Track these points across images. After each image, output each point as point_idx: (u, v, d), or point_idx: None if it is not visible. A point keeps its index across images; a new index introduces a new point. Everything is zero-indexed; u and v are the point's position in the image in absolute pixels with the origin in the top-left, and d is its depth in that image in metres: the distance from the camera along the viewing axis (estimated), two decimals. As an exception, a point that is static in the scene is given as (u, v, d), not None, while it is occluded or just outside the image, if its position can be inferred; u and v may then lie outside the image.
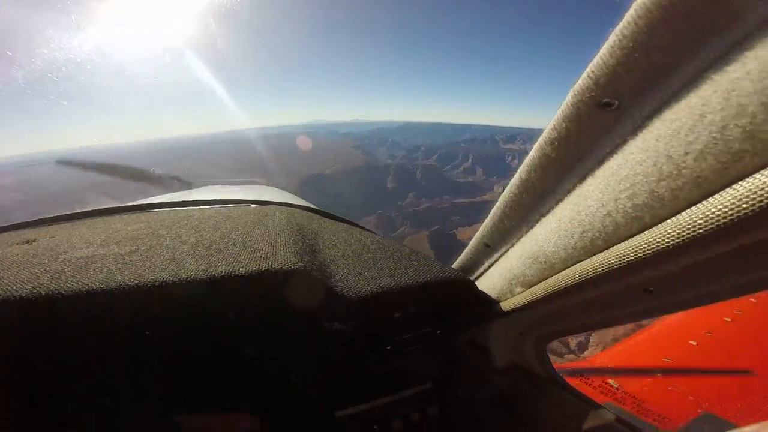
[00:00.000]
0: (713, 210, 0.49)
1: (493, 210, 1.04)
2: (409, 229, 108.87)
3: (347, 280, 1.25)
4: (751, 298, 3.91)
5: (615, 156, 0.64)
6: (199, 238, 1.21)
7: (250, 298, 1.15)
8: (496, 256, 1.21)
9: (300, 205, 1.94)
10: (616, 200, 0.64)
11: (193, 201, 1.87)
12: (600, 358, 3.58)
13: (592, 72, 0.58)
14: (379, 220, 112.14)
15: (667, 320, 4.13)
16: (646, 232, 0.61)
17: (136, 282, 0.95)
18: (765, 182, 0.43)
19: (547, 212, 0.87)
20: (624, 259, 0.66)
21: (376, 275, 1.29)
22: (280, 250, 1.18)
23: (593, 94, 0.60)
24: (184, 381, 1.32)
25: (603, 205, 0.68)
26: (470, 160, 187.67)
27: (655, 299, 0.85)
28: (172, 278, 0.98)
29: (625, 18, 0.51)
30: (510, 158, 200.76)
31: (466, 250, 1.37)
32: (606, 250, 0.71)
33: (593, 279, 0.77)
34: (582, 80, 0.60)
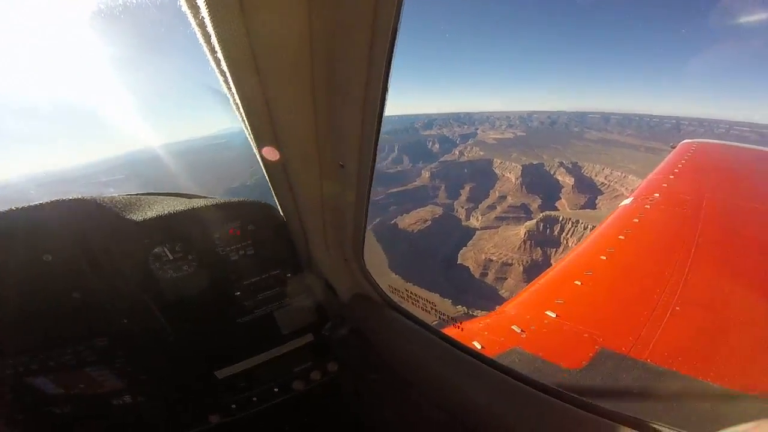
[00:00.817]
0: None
1: None
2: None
3: (142, 214, 1.33)
4: (620, 236, 4.68)
5: None
6: None
7: (63, 238, 1.20)
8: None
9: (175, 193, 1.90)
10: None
11: None
12: (506, 307, 3.74)
13: None
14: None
15: (555, 267, 4.61)
16: None
17: None
18: None
19: None
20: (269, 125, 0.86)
21: (170, 210, 1.37)
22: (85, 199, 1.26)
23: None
24: (34, 339, 1.34)
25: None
26: (396, 150, 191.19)
27: (348, 173, 1.03)
28: None
29: None
30: (431, 143, 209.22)
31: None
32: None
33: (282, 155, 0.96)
34: None
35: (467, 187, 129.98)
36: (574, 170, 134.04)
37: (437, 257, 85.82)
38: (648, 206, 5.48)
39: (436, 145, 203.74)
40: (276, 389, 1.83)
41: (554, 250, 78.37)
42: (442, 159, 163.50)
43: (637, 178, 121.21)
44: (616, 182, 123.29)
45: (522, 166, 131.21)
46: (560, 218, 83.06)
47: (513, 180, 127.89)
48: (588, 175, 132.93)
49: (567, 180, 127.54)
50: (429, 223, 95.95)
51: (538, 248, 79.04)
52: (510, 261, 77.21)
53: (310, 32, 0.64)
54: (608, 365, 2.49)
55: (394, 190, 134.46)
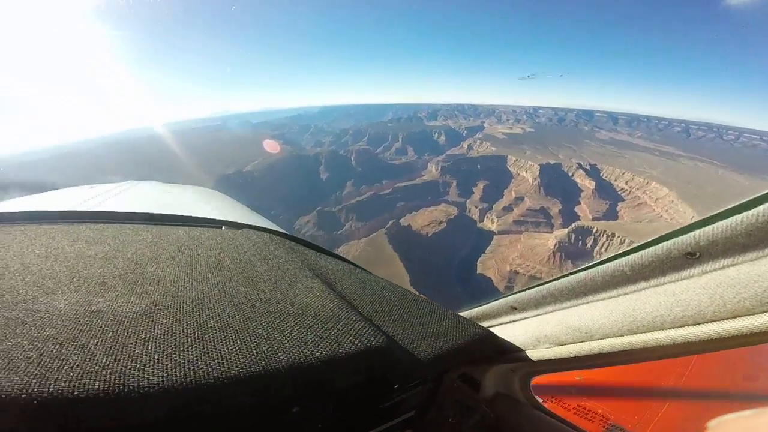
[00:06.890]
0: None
1: (534, 284, 1.25)
2: (356, 224, 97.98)
3: (410, 347, 1.14)
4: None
5: (677, 283, 0.82)
6: (219, 299, 0.95)
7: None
8: (520, 316, 1.38)
9: (271, 230, 1.70)
10: (670, 310, 0.82)
11: (149, 215, 1.61)
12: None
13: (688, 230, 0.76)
14: (319, 217, 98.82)
15: None
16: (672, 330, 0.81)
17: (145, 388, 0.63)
18: None
19: (599, 300, 1.05)
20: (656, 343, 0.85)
21: (422, 337, 1.19)
22: (351, 323, 1.01)
23: (683, 246, 0.77)
24: None
25: (657, 311, 0.85)
26: (400, 140, 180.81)
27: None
28: (215, 377, 0.70)
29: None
30: (437, 135, 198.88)
31: (489, 306, 1.48)
32: (640, 335, 0.90)
33: (625, 352, 0.95)
34: (678, 234, 0.78)
35: (480, 185, 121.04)
36: (593, 173, 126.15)
37: (453, 266, 77.61)
38: None
39: (443, 137, 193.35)
40: None
41: (587, 265, 70.60)
42: (449, 152, 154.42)
43: (660, 185, 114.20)
44: (637, 189, 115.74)
45: (539, 165, 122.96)
46: (594, 230, 75.16)
47: (530, 180, 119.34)
48: (607, 179, 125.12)
49: (587, 183, 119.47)
50: (444, 225, 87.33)
51: (569, 261, 71.25)
52: (539, 274, 69.23)
53: None
54: None
55: (401, 184, 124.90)
